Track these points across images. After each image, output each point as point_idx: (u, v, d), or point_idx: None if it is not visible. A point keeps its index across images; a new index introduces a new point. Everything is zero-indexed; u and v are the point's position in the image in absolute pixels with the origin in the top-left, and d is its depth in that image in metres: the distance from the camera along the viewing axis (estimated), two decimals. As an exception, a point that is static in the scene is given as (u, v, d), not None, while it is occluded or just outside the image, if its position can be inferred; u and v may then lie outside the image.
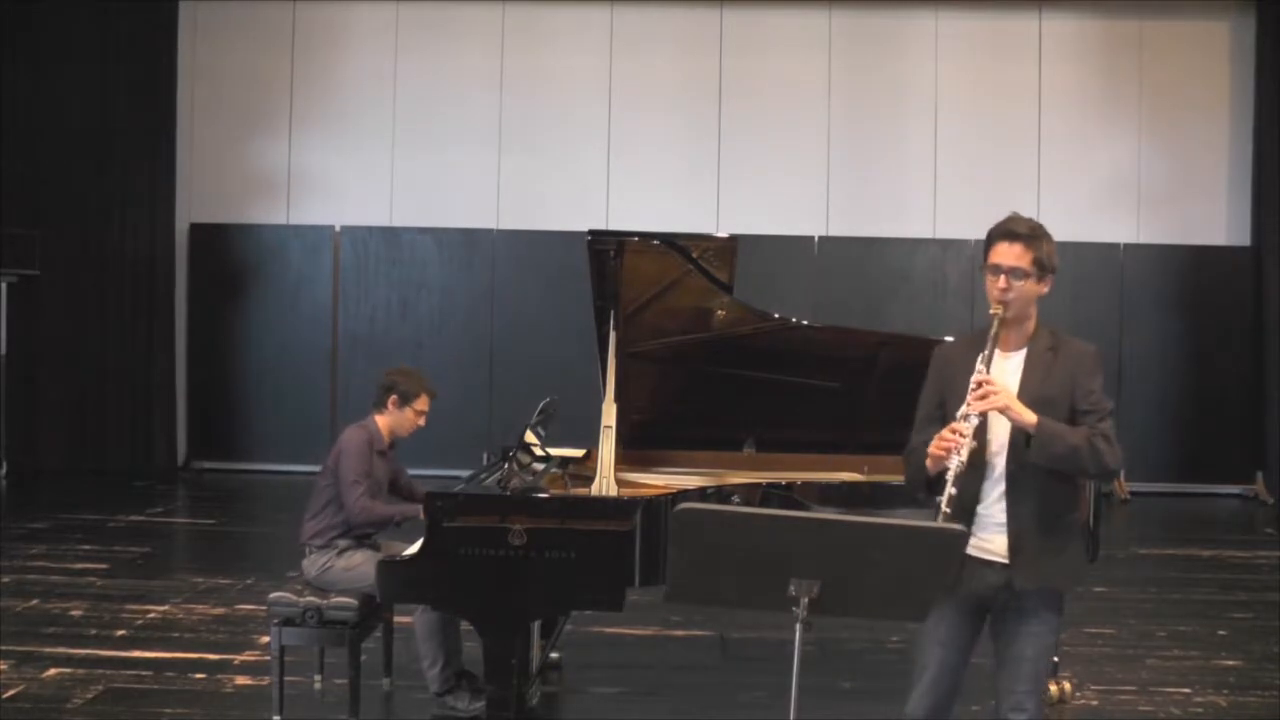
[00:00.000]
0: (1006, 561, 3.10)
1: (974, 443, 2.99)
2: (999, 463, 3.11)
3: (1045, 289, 3.15)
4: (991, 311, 3.10)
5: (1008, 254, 3.10)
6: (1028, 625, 3.13)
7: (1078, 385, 3.10)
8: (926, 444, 3.08)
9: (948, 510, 2.91)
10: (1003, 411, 3.02)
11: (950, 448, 2.97)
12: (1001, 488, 3.11)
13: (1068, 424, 3.06)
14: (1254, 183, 10.66)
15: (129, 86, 10.74)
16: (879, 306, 10.39)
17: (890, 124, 10.91)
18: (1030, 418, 3.01)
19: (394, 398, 4.73)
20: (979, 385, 3.01)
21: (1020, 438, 3.05)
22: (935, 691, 3.21)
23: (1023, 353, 3.17)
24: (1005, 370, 3.14)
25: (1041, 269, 3.11)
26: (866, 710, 4.76)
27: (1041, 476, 3.07)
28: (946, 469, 2.96)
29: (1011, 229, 3.12)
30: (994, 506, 3.12)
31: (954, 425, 3.01)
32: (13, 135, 10.44)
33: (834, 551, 2.54)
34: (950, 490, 2.93)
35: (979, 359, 3.07)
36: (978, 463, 3.09)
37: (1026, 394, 3.09)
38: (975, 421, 2.99)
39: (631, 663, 5.48)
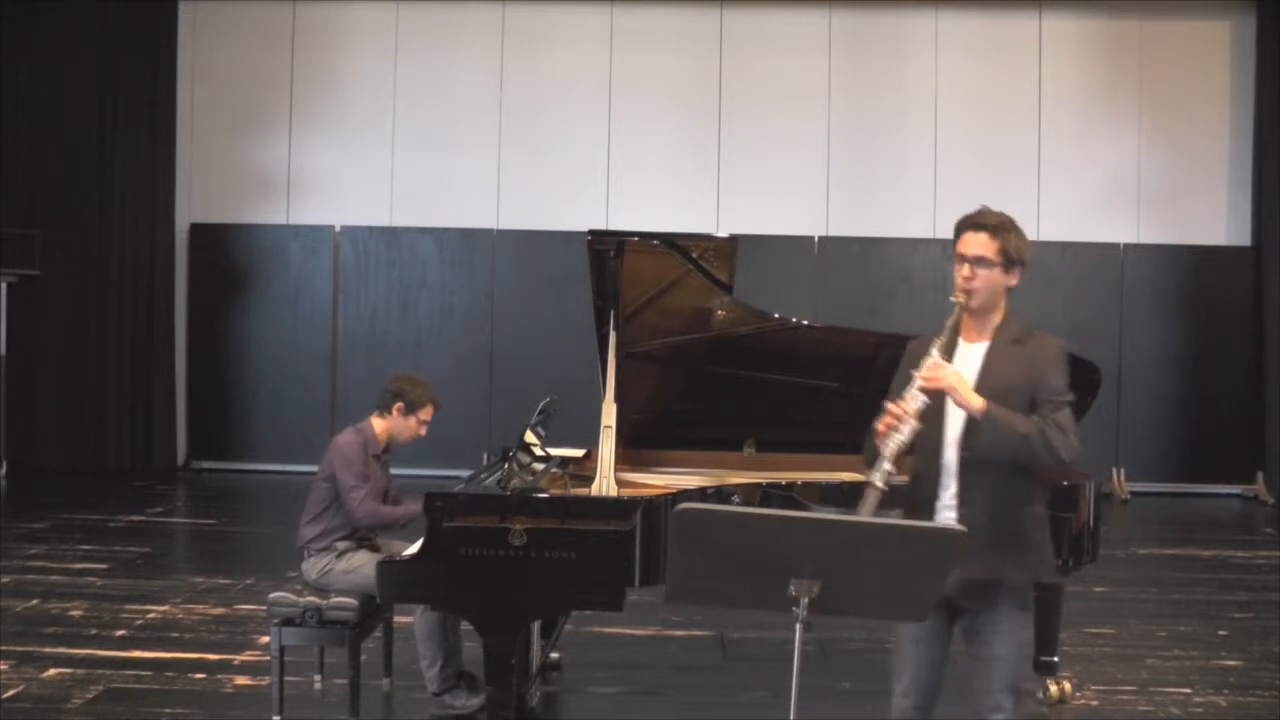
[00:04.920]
0: None
1: (918, 424, 3.00)
2: (953, 455, 3.11)
3: (1013, 281, 3.14)
4: (953, 299, 3.12)
5: (973, 243, 3.11)
6: (997, 623, 3.10)
7: (1041, 378, 3.09)
8: None
9: (881, 487, 2.94)
10: (948, 392, 3.01)
11: (891, 423, 3.00)
12: (955, 479, 3.09)
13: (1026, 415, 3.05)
14: (1254, 183, 10.67)
15: (129, 86, 10.74)
16: (879, 306, 10.39)
17: (890, 124, 10.91)
18: (977, 402, 2.99)
19: (400, 405, 4.71)
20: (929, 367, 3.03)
21: (973, 426, 3.04)
22: (918, 690, 3.21)
23: (987, 343, 3.16)
24: (967, 359, 3.14)
25: (1009, 260, 3.11)
26: (866, 710, 4.75)
27: (994, 468, 3.04)
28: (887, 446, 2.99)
29: (978, 220, 3.14)
30: (950, 500, 3.11)
31: (898, 402, 3.03)
32: (13, 135, 10.45)
33: (834, 551, 2.53)
34: (886, 466, 2.96)
35: (934, 344, 3.08)
36: (934, 455, 3.11)
37: (986, 382, 3.07)
38: (920, 401, 3.00)
39: (631, 663, 5.48)
